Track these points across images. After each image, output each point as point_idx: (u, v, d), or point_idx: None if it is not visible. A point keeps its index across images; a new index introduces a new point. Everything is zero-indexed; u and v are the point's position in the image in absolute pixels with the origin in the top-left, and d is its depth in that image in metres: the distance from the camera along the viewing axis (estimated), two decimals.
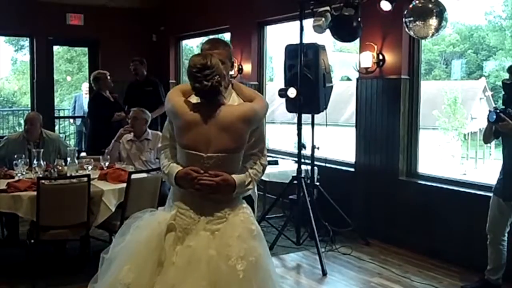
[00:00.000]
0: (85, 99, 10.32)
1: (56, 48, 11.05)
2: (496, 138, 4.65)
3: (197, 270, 2.59)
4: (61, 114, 13.27)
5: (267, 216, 6.15)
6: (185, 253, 2.66)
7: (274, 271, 2.88)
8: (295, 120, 5.94)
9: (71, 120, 12.42)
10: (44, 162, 5.09)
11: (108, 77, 7.25)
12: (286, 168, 6.44)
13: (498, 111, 4.36)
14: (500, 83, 4.75)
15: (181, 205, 2.78)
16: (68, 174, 4.87)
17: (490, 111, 4.45)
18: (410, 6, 5.08)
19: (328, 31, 5.62)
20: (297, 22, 5.73)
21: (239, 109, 2.78)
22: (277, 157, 7.09)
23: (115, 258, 2.74)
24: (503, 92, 4.49)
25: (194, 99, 2.79)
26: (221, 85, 2.71)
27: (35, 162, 5.06)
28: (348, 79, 12.95)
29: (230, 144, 2.71)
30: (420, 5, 5.00)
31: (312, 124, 6.05)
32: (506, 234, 4.55)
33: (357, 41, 6.01)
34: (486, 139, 4.72)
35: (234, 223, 2.74)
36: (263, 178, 5.79)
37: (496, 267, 4.57)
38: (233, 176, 2.74)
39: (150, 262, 2.67)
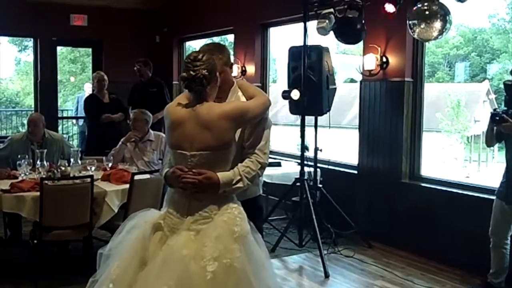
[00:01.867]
0: None
1: (59, 49, 11.07)
2: (498, 141, 4.65)
3: (168, 269, 2.61)
4: (65, 115, 13.31)
5: (269, 218, 6.15)
6: (164, 251, 2.69)
7: (257, 277, 2.71)
8: (298, 122, 5.94)
9: (74, 121, 12.45)
10: (48, 163, 5.09)
11: (103, 80, 7.22)
12: (289, 170, 6.44)
13: (500, 112, 4.36)
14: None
15: (170, 205, 2.85)
16: (71, 175, 4.87)
17: (492, 113, 4.45)
18: (414, 8, 5.08)
19: (331, 33, 5.63)
20: (301, 24, 5.73)
21: (222, 107, 2.80)
22: (280, 159, 7.09)
23: (110, 255, 2.83)
24: (505, 94, 4.50)
25: (185, 101, 2.85)
26: (206, 79, 2.75)
27: (38, 162, 5.06)
28: (352, 80, 12.94)
29: (211, 142, 2.73)
30: (424, 7, 4.99)
31: (315, 126, 6.04)
32: (509, 238, 4.55)
33: (361, 43, 6.01)
34: (489, 142, 4.71)
35: (217, 223, 2.72)
36: (265, 180, 5.84)
37: (498, 271, 4.56)
38: (218, 174, 2.74)
39: (135, 260, 2.73)
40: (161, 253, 2.69)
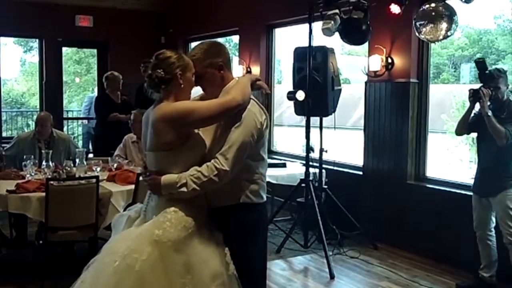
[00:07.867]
0: None
1: (64, 50, 11.07)
2: (467, 132, 4.83)
3: (98, 259, 2.76)
4: (70, 115, 13.33)
5: (274, 219, 6.15)
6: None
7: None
8: (303, 123, 5.94)
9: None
10: (53, 163, 5.10)
11: (118, 79, 7.26)
12: (294, 171, 6.43)
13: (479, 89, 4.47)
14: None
15: (144, 202, 2.92)
16: (77, 175, 4.87)
17: (473, 91, 4.55)
18: (420, 9, 5.07)
19: (337, 34, 5.63)
20: (306, 25, 5.72)
21: (163, 108, 2.72)
22: (285, 160, 7.09)
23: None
24: (478, 72, 4.63)
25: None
26: (160, 79, 2.72)
27: (44, 163, 5.07)
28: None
29: (153, 143, 2.74)
30: (430, 8, 4.98)
31: (321, 127, 6.04)
32: (493, 230, 4.65)
33: (366, 44, 6.00)
34: (459, 130, 4.88)
35: (147, 223, 2.71)
36: (270, 180, 5.84)
37: (488, 264, 4.68)
38: (163, 176, 2.68)
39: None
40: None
